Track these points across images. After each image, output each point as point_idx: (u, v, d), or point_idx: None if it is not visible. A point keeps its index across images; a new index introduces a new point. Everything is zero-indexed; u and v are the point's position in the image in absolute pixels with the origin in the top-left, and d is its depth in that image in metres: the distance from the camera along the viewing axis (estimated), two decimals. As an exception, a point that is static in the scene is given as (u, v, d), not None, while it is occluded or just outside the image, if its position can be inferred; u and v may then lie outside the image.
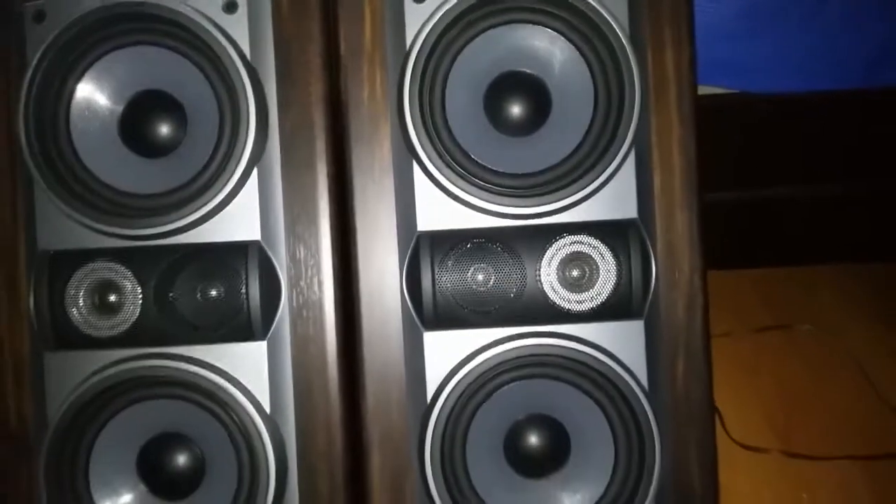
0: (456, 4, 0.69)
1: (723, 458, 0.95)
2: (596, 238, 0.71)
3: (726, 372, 1.09)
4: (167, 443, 0.73)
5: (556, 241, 0.71)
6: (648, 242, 0.71)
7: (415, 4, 0.71)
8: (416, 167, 0.72)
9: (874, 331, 1.14)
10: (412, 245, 0.72)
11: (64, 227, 0.71)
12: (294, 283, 0.72)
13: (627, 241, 0.71)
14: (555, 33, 0.70)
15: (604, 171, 0.68)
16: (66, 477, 0.71)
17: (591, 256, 0.71)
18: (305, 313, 0.72)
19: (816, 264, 1.25)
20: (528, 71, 0.71)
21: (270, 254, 0.72)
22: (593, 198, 0.70)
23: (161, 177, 0.71)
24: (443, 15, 0.69)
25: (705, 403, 0.72)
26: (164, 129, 0.72)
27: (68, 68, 0.69)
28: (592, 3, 0.67)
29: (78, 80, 0.69)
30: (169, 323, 0.71)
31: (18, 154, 0.70)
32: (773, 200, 1.20)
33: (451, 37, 0.70)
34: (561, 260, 0.71)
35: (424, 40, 0.69)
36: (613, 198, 0.71)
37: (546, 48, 0.70)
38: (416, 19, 0.70)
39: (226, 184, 0.69)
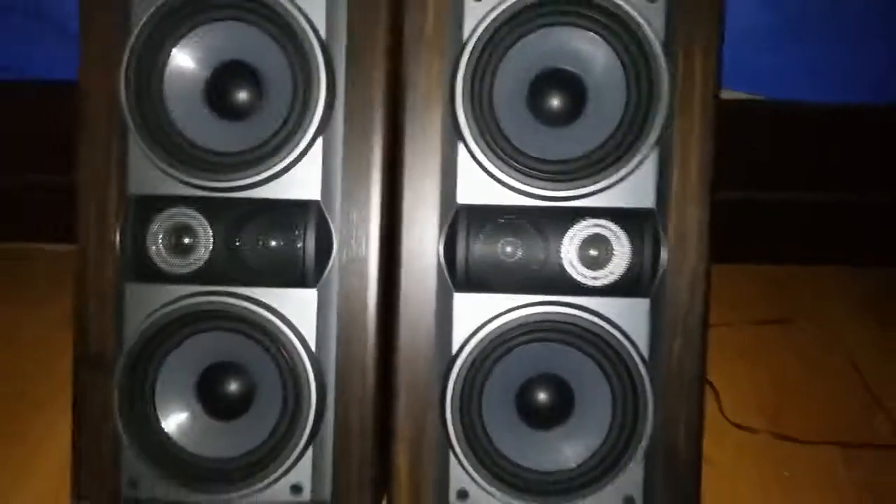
0: (511, 5, 0.77)
1: (715, 434, 1.04)
2: (615, 223, 0.79)
3: (726, 358, 1.17)
4: (223, 370, 0.84)
5: (579, 222, 0.80)
6: (661, 231, 0.80)
7: (473, 2, 0.79)
8: (460, 146, 0.80)
9: (869, 330, 1.22)
10: (451, 215, 0.81)
11: (150, 175, 0.81)
12: (345, 241, 0.82)
13: (642, 229, 0.79)
14: (597, 37, 0.78)
15: (628, 164, 0.77)
16: (137, 393, 0.82)
17: (608, 239, 0.80)
18: (352, 267, 0.82)
19: (819, 264, 1.32)
20: (569, 69, 0.80)
21: (327, 213, 0.81)
22: (616, 187, 0.78)
23: (236, 138, 0.80)
24: (498, 14, 0.77)
25: (697, 378, 0.81)
26: (243, 96, 0.81)
27: (167, 34, 0.78)
28: (633, 14, 0.75)
29: (174, 45, 0.79)
30: (234, 266, 0.81)
31: (116, 107, 0.80)
32: (782, 202, 1.27)
33: (503, 33, 0.78)
34: (582, 239, 0.80)
35: (480, 35, 0.78)
36: (634, 188, 0.79)
37: (587, 50, 0.79)
38: (474, 15, 0.79)
39: (294, 149, 0.78)
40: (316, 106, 0.78)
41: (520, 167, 0.78)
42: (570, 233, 0.80)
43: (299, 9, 0.77)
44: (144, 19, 0.77)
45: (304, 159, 0.80)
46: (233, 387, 0.84)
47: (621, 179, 0.78)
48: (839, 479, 1.01)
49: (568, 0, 0.76)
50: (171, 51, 0.79)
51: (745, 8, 0.95)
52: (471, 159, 0.80)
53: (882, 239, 1.28)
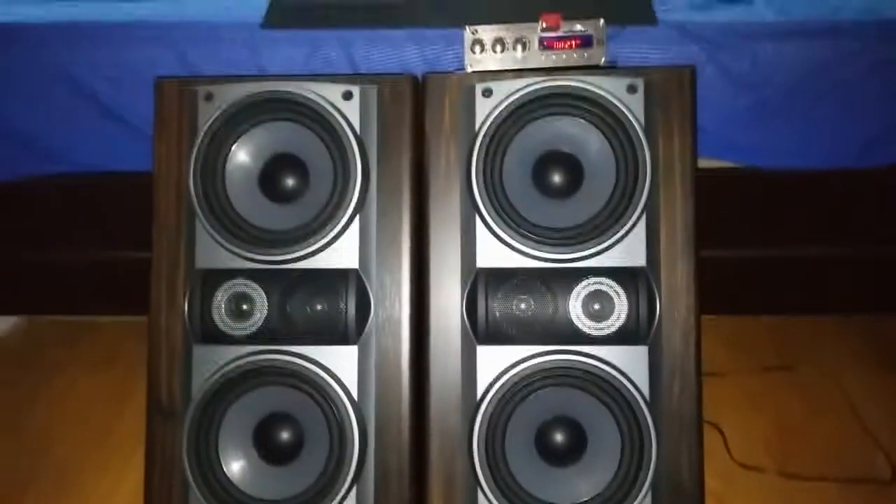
0: (514, 100, 0.91)
1: (722, 474, 1.13)
2: (613, 280, 0.91)
3: (735, 402, 1.26)
4: (276, 420, 0.95)
5: (582, 281, 0.91)
6: (654, 286, 0.91)
7: (483, 98, 0.93)
8: (478, 219, 0.93)
9: (866, 375, 1.30)
10: (472, 278, 0.93)
11: (213, 251, 0.94)
12: (380, 302, 0.94)
13: (637, 285, 0.91)
14: (588, 124, 0.91)
15: (621, 229, 0.89)
16: (203, 442, 0.93)
17: (608, 294, 0.91)
18: (388, 326, 0.94)
19: (820, 314, 1.41)
20: (567, 150, 0.93)
21: (364, 279, 0.94)
22: (612, 249, 0.91)
23: (286, 218, 0.94)
24: (504, 107, 0.91)
25: (695, 416, 0.91)
26: (291, 183, 0.95)
27: (227, 135, 0.93)
28: (616, 104, 0.89)
29: (234, 143, 0.94)
30: (285, 328, 0.94)
31: (186, 195, 0.94)
32: (788, 258, 1.36)
33: (510, 123, 0.92)
34: (585, 296, 0.91)
35: (490, 125, 0.92)
36: (628, 250, 0.91)
37: (581, 135, 0.92)
38: (484, 109, 0.93)
39: (335, 226, 0.92)
40: (353, 189, 0.92)
41: (529, 235, 0.91)
42: (575, 290, 0.91)
43: (337, 109, 0.92)
44: (210, 121, 0.92)
45: (344, 234, 0.93)
46: (285, 435, 0.95)
47: (616, 243, 0.90)
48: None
49: (563, 94, 0.90)
50: (231, 147, 0.94)
51: (726, 93, 1.07)
52: (486, 230, 0.92)
53: (876, 289, 1.37)
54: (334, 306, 0.93)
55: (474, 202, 0.92)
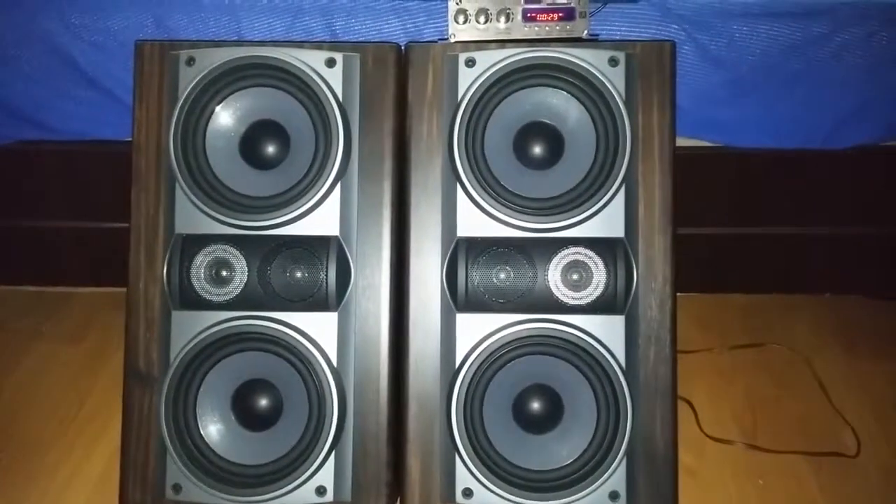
0: (497, 70, 0.92)
1: (693, 447, 1.15)
2: (592, 250, 0.92)
3: (706, 379, 1.29)
4: (255, 386, 0.95)
5: (561, 250, 0.93)
6: (632, 256, 0.93)
7: (466, 68, 0.94)
8: (459, 188, 0.94)
9: (837, 354, 1.33)
10: (452, 247, 0.94)
11: (193, 217, 0.94)
12: (360, 270, 0.95)
13: (615, 255, 0.92)
14: (569, 95, 0.92)
15: (600, 200, 0.91)
16: (181, 407, 0.93)
17: (587, 264, 0.92)
18: (367, 293, 0.94)
19: (793, 293, 1.44)
20: (548, 122, 0.94)
21: (345, 246, 0.94)
22: (591, 220, 0.92)
23: (267, 184, 0.94)
24: (487, 77, 0.92)
25: (669, 382, 0.93)
26: (272, 149, 0.95)
27: (209, 100, 0.93)
28: (598, 75, 0.90)
29: (215, 108, 0.93)
30: (265, 294, 0.94)
31: (165, 160, 0.94)
32: (759, 236, 1.39)
33: (492, 93, 0.93)
34: (564, 265, 0.93)
35: (472, 94, 0.92)
36: (607, 221, 0.92)
37: (562, 106, 0.93)
38: (467, 78, 0.93)
39: (316, 193, 0.92)
40: (335, 157, 0.92)
41: (509, 204, 0.92)
42: (554, 260, 0.93)
43: (320, 76, 0.92)
44: (191, 85, 0.92)
45: (325, 201, 0.93)
46: (264, 401, 0.95)
47: (595, 213, 0.91)
48: (808, 486, 1.11)
49: (545, 65, 0.91)
50: (213, 112, 0.93)
51: (702, 71, 1.09)
52: (467, 199, 0.93)
53: (845, 269, 1.40)
54: (315, 273, 0.94)
55: (456, 171, 0.93)
